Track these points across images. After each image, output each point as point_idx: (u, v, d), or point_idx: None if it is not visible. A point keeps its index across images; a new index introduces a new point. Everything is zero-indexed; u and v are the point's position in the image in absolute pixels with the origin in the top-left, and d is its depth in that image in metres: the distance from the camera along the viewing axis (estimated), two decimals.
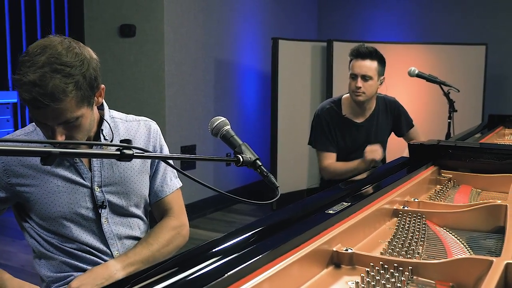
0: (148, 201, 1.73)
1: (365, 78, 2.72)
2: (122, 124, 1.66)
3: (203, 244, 1.03)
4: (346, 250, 1.10)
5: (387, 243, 1.19)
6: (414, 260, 1.06)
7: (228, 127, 1.42)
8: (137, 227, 1.68)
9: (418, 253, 1.14)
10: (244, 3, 5.31)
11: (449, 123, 3.39)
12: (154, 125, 1.74)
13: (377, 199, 1.39)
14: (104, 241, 1.59)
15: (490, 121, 3.33)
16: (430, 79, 2.98)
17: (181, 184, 1.80)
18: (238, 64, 5.27)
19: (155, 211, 1.78)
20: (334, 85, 4.85)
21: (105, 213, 1.58)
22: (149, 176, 1.71)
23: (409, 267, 1.01)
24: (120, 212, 1.62)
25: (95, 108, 1.53)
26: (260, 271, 0.93)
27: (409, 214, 1.40)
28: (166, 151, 1.75)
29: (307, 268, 1.03)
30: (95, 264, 1.57)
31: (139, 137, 1.68)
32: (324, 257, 1.09)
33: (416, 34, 5.65)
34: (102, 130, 1.58)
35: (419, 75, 2.99)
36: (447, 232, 1.34)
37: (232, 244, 1.03)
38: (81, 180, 1.55)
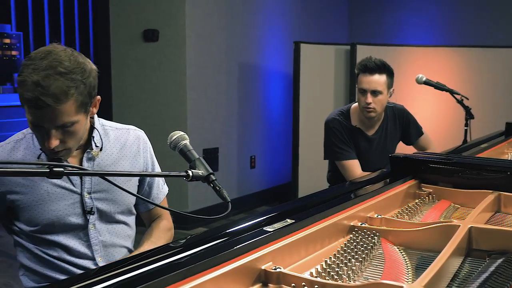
0: (134, 209, 1.78)
1: (375, 93, 2.65)
2: (112, 132, 1.70)
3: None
4: (275, 269, 1.11)
5: (323, 263, 1.18)
6: (334, 283, 1.05)
7: (186, 141, 1.45)
8: (123, 234, 1.73)
9: (349, 274, 1.13)
10: (268, 6, 5.32)
11: (466, 130, 3.30)
12: (143, 135, 1.78)
13: (333, 215, 1.38)
14: (89, 247, 1.64)
15: (508, 128, 3.21)
16: (438, 86, 2.91)
17: (168, 189, 1.87)
18: (262, 67, 5.29)
19: (147, 216, 1.84)
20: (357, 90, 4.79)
21: (92, 219, 1.63)
22: (141, 184, 1.76)
23: None
24: (107, 219, 1.67)
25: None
26: (181, 283, 0.96)
27: (364, 231, 1.39)
28: (156, 163, 1.81)
29: (230, 284, 1.04)
30: None
31: (129, 145, 1.73)
32: (251, 274, 1.10)
33: (446, 37, 5.51)
34: (93, 137, 1.63)
35: (426, 83, 2.92)
36: (399, 252, 1.32)
37: (158, 254, 1.07)
38: (71, 187, 1.60)
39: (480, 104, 4.14)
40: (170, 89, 4.53)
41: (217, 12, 4.70)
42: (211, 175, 1.38)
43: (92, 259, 1.65)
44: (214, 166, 4.83)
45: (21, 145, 1.58)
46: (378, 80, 2.64)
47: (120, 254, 1.71)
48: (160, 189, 1.83)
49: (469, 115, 3.20)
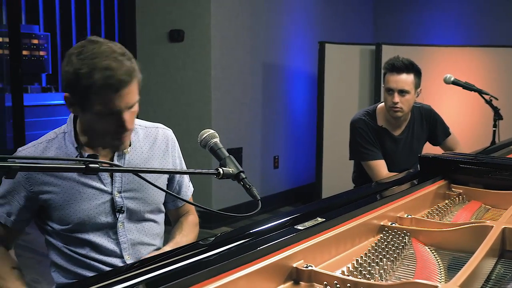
0: (164, 207, 1.79)
1: (402, 92, 2.63)
2: (141, 130, 1.71)
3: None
4: (307, 267, 1.11)
5: (354, 262, 1.18)
6: (366, 281, 1.05)
7: (216, 139, 1.46)
8: (152, 232, 1.73)
9: (381, 273, 1.12)
10: (293, 6, 5.31)
11: (494, 131, 3.25)
12: (171, 134, 1.79)
13: (363, 214, 1.38)
14: (117, 245, 1.64)
15: None
16: (466, 86, 2.87)
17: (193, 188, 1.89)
18: (286, 67, 5.28)
19: (175, 213, 1.85)
20: (382, 90, 4.76)
21: (122, 218, 1.63)
22: (170, 183, 1.77)
23: None
24: (137, 217, 1.67)
25: None
26: (214, 280, 0.97)
27: (394, 231, 1.38)
28: (183, 163, 1.83)
29: (262, 282, 1.05)
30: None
31: (158, 144, 1.73)
32: (282, 272, 1.10)
33: (473, 37, 5.43)
34: None
35: (455, 83, 2.88)
36: (430, 252, 1.31)
37: (194, 251, 1.07)
38: (102, 186, 1.60)
39: (508, 104, 4.06)
40: (195, 89, 4.56)
41: (242, 12, 4.72)
42: (241, 173, 1.38)
43: (121, 257, 1.66)
44: None
45: (53, 144, 1.59)
46: (406, 79, 2.62)
47: (148, 252, 1.72)
48: (188, 187, 1.84)
49: (497, 116, 3.14)
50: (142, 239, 1.70)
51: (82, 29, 6.67)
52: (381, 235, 1.37)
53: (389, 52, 4.76)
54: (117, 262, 1.65)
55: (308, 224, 1.22)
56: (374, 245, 1.30)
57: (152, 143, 1.71)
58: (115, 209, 1.61)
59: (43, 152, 1.57)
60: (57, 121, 5.90)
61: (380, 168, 2.67)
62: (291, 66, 5.33)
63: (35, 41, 6.01)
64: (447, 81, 2.88)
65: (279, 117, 5.27)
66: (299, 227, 1.20)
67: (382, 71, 2.71)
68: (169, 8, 4.57)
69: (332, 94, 4.80)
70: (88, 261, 1.61)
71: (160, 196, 1.72)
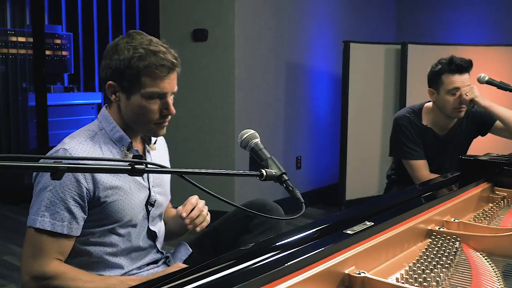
0: None
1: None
2: None
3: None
4: (359, 273, 1.06)
5: (407, 268, 1.13)
6: None
7: (257, 140, 1.43)
8: (162, 225, 1.77)
9: (437, 281, 1.07)
10: (317, 6, 5.26)
11: None
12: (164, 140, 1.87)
13: (410, 218, 1.33)
14: (151, 237, 1.66)
15: None
16: (501, 86, 2.78)
17: None
18: (310, 67, 5.23)
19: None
20: (408, 89, 4.68)
21: (152, 211, 1.66)
22: None
23: None
24: (160, 211, 1.71)
25: None
26: (270, 285, 0.93)
27: (443, 236, 1.33)
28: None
29: None
30: None
31: (161, 145, 1.79)
32: (335, 278, 1.06)
33: (499, 36, 5.32)
34: None
35: (489, 82, 2.80)
36: (483, 258, 1.25)
37: (244, 257, 1.04)
38: (142, 181, 1.62)
39: None
40: (219, 89, 4.53)
41: (265, 11, 4.68)
42: (284, 175, 1.35)
43: (154, 246, 1.68)
44: (260, 167, 4.80)
45: (96, 143, 1.55)
46: (468, 77, 2.66)
47: (163, 239, 1.76)
48: None
49: None
50: (161, 228, 1.73)
51: (104, 29, 6.68)
52: (430, 240, 1.32)
53: (415, 52, 4.69)
54: (154, 255, 1.67)
55: (357, 228, 1.18)
56: (424, 250, 1.25)
57: (159, 143, 1.77)
58: (148, 203, 1.63)
59: (90, 151, 1.53)
60: (80, 120, 5.92)
61: (422, 168, 2.63)
62: (314, 65, 5.28)
63: (58, 41, 6.03)
64: (481, 81, 2.81)
65: (301, 117, 5.22)
66: (349, 231, 1.16)
67: (439, 71, 2.65)
68: (192, 7, 4.54)
69: (356, 94, 4.74)
70: (114, 260, 1.57)
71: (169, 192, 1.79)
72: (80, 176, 1.47)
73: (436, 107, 2.71)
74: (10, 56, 5.45)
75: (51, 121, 5.27)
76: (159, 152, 1.75)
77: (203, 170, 1.19)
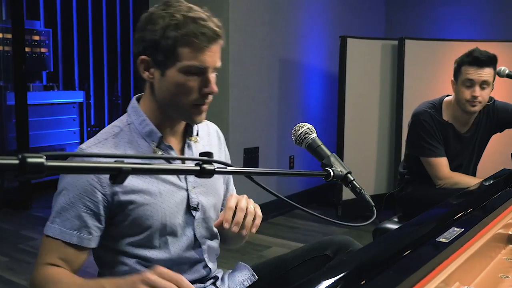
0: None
1: (483, 86, 2.52)
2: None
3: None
4: None
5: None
6: None
7: (314, 135, 1.26)
8: (215, 231, 1.51)
9: None
10: (312, 1, 5.12)
11: None
12: (219, 129, 1.63)
13: (491, 223, 1.18)
14: (197, 248, 1.43)
15: None
16: None
17: None
18: (304, 63, 5.09)
19: None
20: (405, 86, 4.57)
21: (198, 216, 1.42)
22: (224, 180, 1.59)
23: None
24: (207, 214, 1.46)
25: None
26: None
27: None
28: (229, 157, 1.64)
29: None
30: None
31: (212, 137, 1.56)
32: None
33: (493, 31, 5.28)
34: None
35: (509, 76, 2.69)
36: None
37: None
38: (178, 182, 1.39)
39: None
40: None
41: (260, 7, 4.51)
42: (349, 174, 1.18)
43: (203, 261, 1.45)
44: (254, 166, 4.64)
45: (120, 140, 1.35)
46: (488, 71, 2.53)
47: (215, 253, 1.52)
48: (233, 187, 1.67)
49: None
50: (212, 238, 1.48)
51: (84, 25, 6.40)
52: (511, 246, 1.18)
53: (413, 47, 4.59)
54: (201, 270, 1.44)
55: (449, 235, 1.02)
56: None
57: (207, 136, 1.53)
58: (191, 207, 1.40)
59: (115, 150, 1.33)
60: (61, 120, 5.65)
61: (442, 166, 2.50)
62: (309, 61, 5.15)
63: (36, 38, 5.74)
64: (501, 74, 2.70)
65: (295, 115, 5.07)
66: (442, 239, 1.00)
67: (458, 63, 2.56)
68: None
69: (353, 91, 4.61)
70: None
71: (221, 190, 1.54)
72: (94, 178, 1.27)
73: (455, 101, 2.61)
74: None
75: (31, 121, 4.99)
76: (205, 147, 1.49)
77: (271, 170, 1.03)
